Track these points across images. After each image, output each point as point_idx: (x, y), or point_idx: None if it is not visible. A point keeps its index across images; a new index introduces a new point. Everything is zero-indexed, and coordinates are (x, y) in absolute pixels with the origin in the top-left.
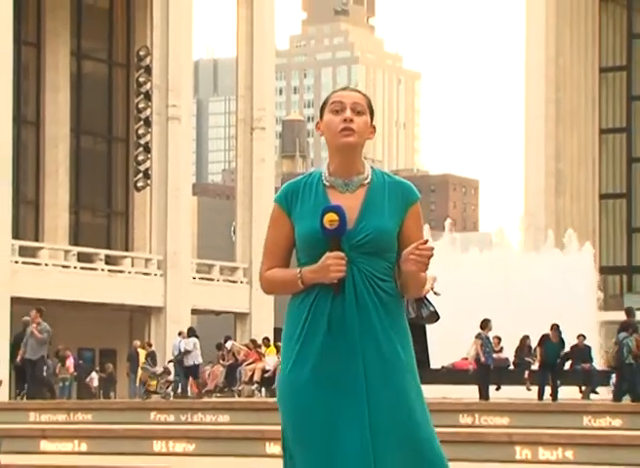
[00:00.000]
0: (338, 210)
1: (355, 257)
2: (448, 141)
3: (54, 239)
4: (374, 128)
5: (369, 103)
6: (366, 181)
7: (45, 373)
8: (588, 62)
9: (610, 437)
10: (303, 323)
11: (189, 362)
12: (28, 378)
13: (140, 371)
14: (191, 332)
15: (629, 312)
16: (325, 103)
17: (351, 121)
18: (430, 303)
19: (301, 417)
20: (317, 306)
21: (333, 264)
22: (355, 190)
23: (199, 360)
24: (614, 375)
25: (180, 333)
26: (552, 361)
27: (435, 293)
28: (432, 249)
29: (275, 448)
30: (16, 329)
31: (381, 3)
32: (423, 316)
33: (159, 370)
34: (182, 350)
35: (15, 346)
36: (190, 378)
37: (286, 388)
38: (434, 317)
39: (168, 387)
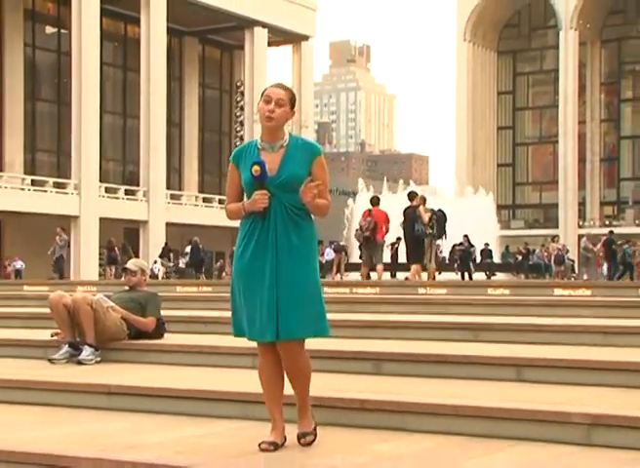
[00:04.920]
0: (259, 162)
1: (278, 193)
2: (412, 133)
3: (189, 189)
4: (293, 112)
5: (290, 96)
6: (284, 144)
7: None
8: (491, 89)
9: (503, 300)
10: (245, 234)
11: (194, 258)
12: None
13: None
14: (193, 243)
15: (612, 233)
16: (263, 93)
17: (272, 112)
18: (432, 228)
19: (241, 281)
20: (254, 225)
21: (258, 199)
22: (278, 150)
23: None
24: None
25: None
26: (465, 257)
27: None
28: (317, 184)
29: None
30: (170, 242)
31: (375, 56)
32: (426, 234)
33: None
34: None
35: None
36: None
37: (237, 266)
38: (426, 236)
39: None
